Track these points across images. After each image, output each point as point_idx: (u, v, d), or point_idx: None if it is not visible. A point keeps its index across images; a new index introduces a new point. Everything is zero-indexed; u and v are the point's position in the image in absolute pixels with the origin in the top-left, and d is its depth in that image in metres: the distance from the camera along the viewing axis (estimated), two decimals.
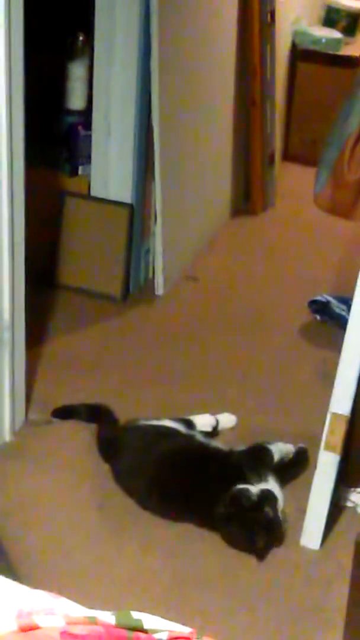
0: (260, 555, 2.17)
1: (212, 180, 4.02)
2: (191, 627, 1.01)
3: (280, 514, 2.21)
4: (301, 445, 2.50)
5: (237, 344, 3.22)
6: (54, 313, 3.30)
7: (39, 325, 3.12)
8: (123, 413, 2.65)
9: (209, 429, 2.60)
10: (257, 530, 2.17)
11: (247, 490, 2.19)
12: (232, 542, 2.21)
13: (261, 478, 2.26)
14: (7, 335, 2.47)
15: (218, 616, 2.04)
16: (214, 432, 2.62)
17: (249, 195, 4.38)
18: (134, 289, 3.49)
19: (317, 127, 4.56)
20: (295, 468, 2.46)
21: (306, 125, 4.87)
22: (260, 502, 2.18)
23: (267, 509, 2.17)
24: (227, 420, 2.67)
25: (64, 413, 2.68)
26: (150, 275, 3.56)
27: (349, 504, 2.40)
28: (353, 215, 2.84)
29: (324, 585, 2.15)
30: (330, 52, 4.86)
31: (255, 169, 4.32)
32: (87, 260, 3.45)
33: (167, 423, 2.51)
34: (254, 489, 2.20)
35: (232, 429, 2.68)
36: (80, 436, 2.61)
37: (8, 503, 2.33)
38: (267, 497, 2.19)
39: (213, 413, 2.68)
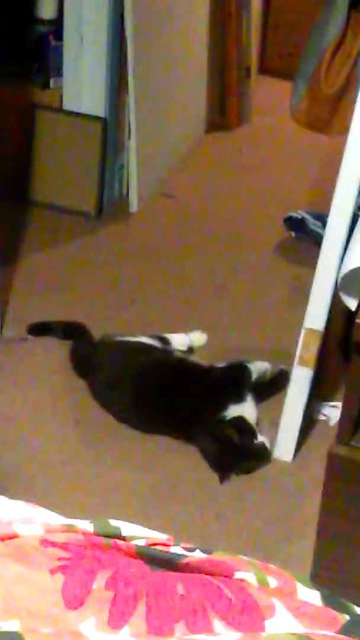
0: (226, 478, 2.22)
1: (187, 93, 3.94)
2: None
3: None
4: (282, 367, 2.48)
5: (212, 261, 3.21)
6: (27, 229, 3.26)
7: (12, 241, 3.08)
8: (97, 330, 2.66)
9: (184, 347, 2.61)
10: (246, 460, 2.24)
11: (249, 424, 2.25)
12: (213, 461, 2.25)
13: (240, 396, 2.29)
14: None
15: (192, 526, 2.08)
16: (189, 350, 2.63)
17: (224, 110, 4.30)
18: (108, 206, 3.45)
19: (294, 39, 4.45)
20: (273, 388, 2.47)
21: (283, 37, 4.75)
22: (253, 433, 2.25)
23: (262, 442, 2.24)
24: (198, 338, 2.67)
25: (39, 329, 2.67)
26: (125, 191, 3.51)
27: (321, 417, 2.44)
28: (329, 129, 2.80)
29: (296, 496, 2.20)
30: None
31: (230, 83, 4.24)
32: (60, 176, 3.39)
33: (144, 339, 2.51)
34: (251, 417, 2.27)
35: (207, 345, 2.69)
36: (56, 353, 2.61)
37: None
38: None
39: (186, 332, 2.69)
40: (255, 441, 2.24)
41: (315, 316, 2.15)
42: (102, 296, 2.94)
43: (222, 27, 4.13)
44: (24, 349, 2.63)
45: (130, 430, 2.36)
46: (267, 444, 2.25)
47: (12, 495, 1.18)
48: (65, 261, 3.12)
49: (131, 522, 1.02)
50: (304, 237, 3.32)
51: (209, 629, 0.86)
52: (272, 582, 0.94)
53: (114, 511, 2.08)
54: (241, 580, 0.93)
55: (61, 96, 3.36)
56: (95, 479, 2.21)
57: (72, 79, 3.31)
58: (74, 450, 2.30)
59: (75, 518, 1.04)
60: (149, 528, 1.03)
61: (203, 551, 0.97)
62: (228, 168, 3.95)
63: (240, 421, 2.24)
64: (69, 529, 0.98)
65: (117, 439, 2.34)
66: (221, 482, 2.20)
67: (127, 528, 0.98)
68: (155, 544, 0.98)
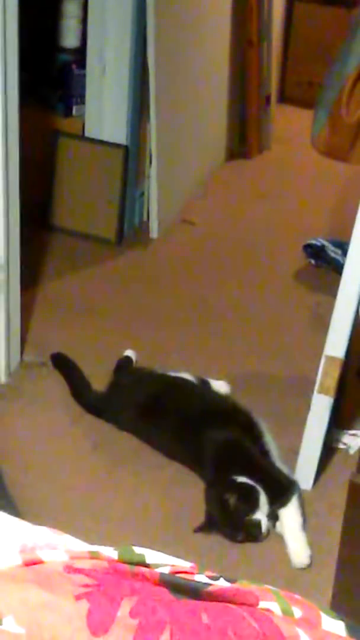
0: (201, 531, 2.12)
1: (208, 122, 3.98)
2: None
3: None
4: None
5: (232, 287, 3.22)
6: (49, 255, 3.29)
7: (34, 267, 3.11)
8: (117, 355, 2.66)
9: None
10: (233, 529, 2.09)
11: (255, 496, 2.08)
12: (207, 508, 2.15)
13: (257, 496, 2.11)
14: (2, 276, 2.46)
15: (211, 553, 2.07)
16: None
17: (244, 138, 4.34)
18: (129, 232, 3.48)
19: (314, 68, 4.51)
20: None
21: (303, 66, 4.80)
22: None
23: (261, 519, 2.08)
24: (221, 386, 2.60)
25: (60, 363, 2.64)
26: (145, 218, 3.54)
27: (341, 446, 2.43)
28: (350, 157, 2.81)
29: (315, 525, 2.18)
30: None
31: (251, 111, 4.27)
32: (82, 203, 3.43)
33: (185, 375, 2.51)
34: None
35: (227, 371, 2.68)
36: None
37: (4, 443, 2.35)
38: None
39: (207, 357, 2.68)
40: (249, 516, 2.07)
41: (336, 344, 2.14)
42: (122, 321, 2.95)
43: (242, 56, 4.17)
44: (44, 374, 2.64)
45: (149, 456, 2.35)
46: (264, 527, 2.07)
47: (31, 520, 1.18)
48: (86, 287, 3.14)
49: (150, 548, 1.02)
50: (323, 264, 3.32)
51: None
52: (297, 612, 0.94)
53: (133, 537, 2.08)
54: (266, 609, 0.93)
55: (83, 124, 3.40)
56: (113, 504, 2.20)
57: (94, 107, 3.35)
58: (92, 475, 2.30)
59: (93, 544, 1.04)
60: (168, 554, 1.03)
61: (227, 580, 0.97)
62: (248, 195, 3.98)
63: (247, 489, 2.08)
64: (94, 555, 0.98)
65: (136, 464, 2.33)
66: (194, 531, 2.09)
67: (151, 555, 0.98)
68: (179, 572, 0.97)
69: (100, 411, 2.48)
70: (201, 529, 2.11)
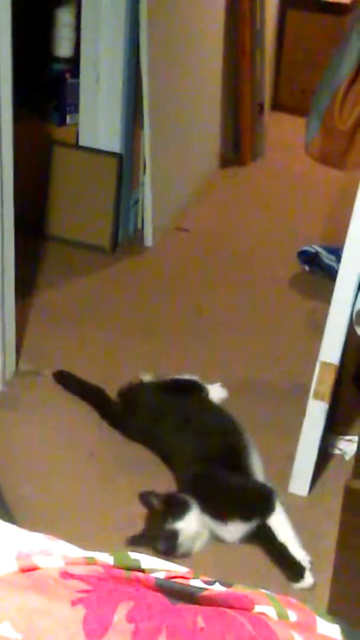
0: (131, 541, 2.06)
1: (202, 129, 3.99)
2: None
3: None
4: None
5: (227, 295, 3.23)
6: (43, 264, 3.30)
7: (28, 276, 3.11)
8: (112, 363, 2.67)
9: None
10: (152, 537, 2.05)
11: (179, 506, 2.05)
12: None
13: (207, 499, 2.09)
14: None
15: (206, 559, 2.08)
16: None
17: (238, 146, 4.36)
18: (123, 240, 3.48)
19: (306, 75, 4.53)
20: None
21: (296, 74, 4.83)
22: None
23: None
24: (216, 390, 2.62)
25: (64, 380, 2.62)
26: (140, 226, 3.54)
27: (336, 452, 2.43)
28: (343, 164, 2.83)
29: (311, 530, 2.19)
30: None
31: (244, 119, 4.29)
32: (76, 211, 3.43)
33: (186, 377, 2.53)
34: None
35: (223, 378, 2.69)
36: None
37: (1, 451, 2.36)
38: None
39: (202, 364, 2.69)
40: (167, 524, 2.01)
41: (330, 350, 2.15)
42: (117, 330, 2.95)
43: (236, 63, 4.19)
44: (39, 382, 2.64)
45: (145, 463, 2.36)
46: (183, 540, 2.02)
47: (28, 528, 1.19)
48: (80, 295, 3.14)
49: (145, 554, 1.02)
50: (318, 271, 3.33)
51: None
52: (292, 616, 0.94)
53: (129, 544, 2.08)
54: (261, 613, 0.93)
55: (77, 132, 3.41)
56: (110, 511, 2.20)
57: (88, 115, 3.36)
58: (88, 483, 2.30)
59: (90, 551, 1.04)
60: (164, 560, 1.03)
61: (223, 584, 0.97)
62: (242, 202, 3.99)
63: (174, 498, 2.08)
64: (89, 561, 0.99)
65: (132, 471, 2.34)
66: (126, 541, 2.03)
67: (146, 561, 0.99)
68: (175, 577, 0.98)
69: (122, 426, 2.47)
70: (129, 540, 2.04)
